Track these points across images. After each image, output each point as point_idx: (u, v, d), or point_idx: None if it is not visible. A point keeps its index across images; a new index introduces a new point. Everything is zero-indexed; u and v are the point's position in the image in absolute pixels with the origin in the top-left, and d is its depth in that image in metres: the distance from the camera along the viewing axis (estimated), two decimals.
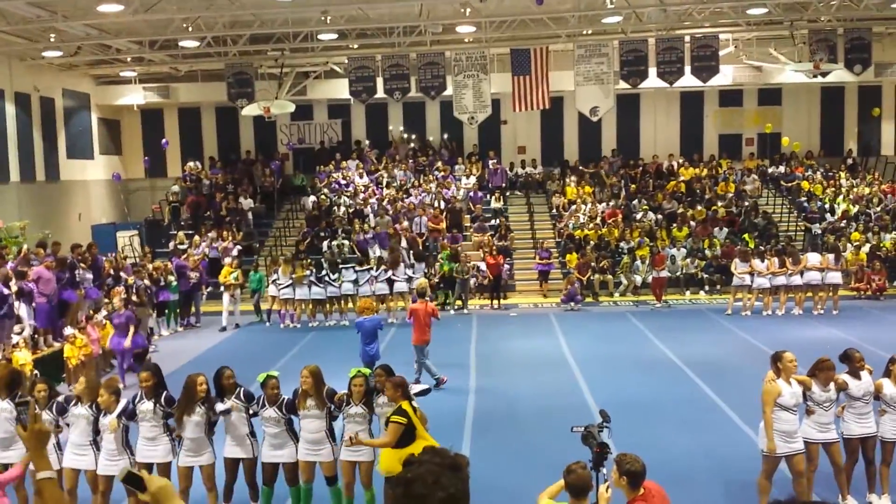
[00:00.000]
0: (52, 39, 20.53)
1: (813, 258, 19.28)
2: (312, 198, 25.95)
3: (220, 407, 8.02)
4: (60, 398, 8.36)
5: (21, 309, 14.18)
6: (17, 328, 13.66)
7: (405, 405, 7.46)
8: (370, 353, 12.26)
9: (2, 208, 21.07)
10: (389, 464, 7.25)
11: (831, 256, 19.33)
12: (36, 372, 12.49)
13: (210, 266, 21.40)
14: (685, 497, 8.20)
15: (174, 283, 18.71)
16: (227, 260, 20.57)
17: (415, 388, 8.49)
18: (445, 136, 28.79)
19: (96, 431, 7.94)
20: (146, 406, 8.00)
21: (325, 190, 26.31)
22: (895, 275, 21.54)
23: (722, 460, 9.50)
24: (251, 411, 8.15)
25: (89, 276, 16.56)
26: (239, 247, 22.46)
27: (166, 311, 18.89)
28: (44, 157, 24.09)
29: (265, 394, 8.04)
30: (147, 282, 17.66)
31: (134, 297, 16.08)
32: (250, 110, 23.88)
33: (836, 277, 19.11)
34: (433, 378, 12.89)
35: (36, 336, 14.56)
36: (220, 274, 19.84)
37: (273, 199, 27.03)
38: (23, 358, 12.75)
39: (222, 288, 19.43)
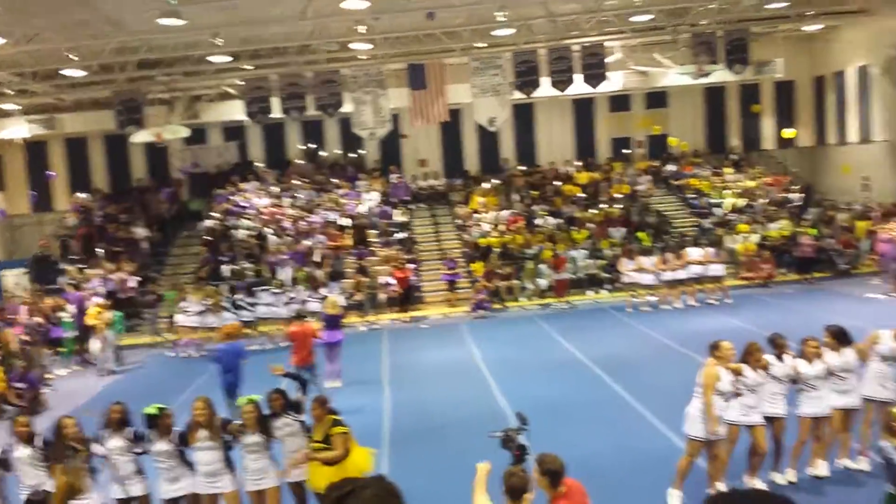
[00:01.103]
0: None
1: (694, 253, 20.21)
2: (211, 222, 25.34)
3: (98, 450, 7.78)
4: None
5: None
6: None
7: (333, 419, 7.55)
8: (229, 380, 11.87)
9: None
10: (321, 479, 7.22)
11: (712, 250, 20.36)
12: None
13: (107, 299, 20.59)
14: (600, 490, 8.40)
15: (68, 320, 17.94)
16: (95, 300, 19.11)
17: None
18: (344, 153, 28.70)
19: None
20: (22, 453, 7.68)
21: (221, 213, 25.67)
22: (783, 263, 22.69)
23: (633, 453, 9.80)
24: (139, 449, 7.92)
25: None
26: (137, 278, 21.71)
27: (60, 349, 18.07)
28: None
29: (159, 426, 7.82)
30: (40, 319, 16.89)
31: (26, 337, 15.37)
32: (141, 137, 23.21)
33: (717, 269, 20.10)
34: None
35: None
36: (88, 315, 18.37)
37: (168, 226, 26.27)
38: None
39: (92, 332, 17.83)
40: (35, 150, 27.71)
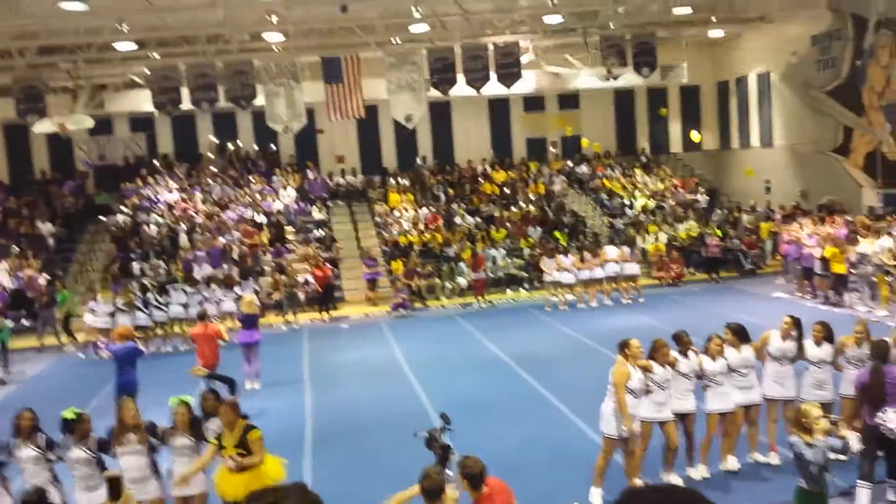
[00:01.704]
0: None
1: (611, 251, 20.74)
2: (119, 217, 24.41)
3: (8, 459, 7.50)
4: None
5: None
6: None
7: (245, 423, 7.34)
8: (124, 381, 11.60)
9: None
10: (232, 487, 7.04)
11: (627, 249, 20.91)
12: None
13: (13, 297, 19.60)
14: (522, 485, 8.51)
15: None
16: None
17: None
18: (259, 146, 28.15)
19: None
20: None
21: (136, 208, 24.80)
22: (691, 263, 23.49)
23: (553, 448, 9.99)
24: (54, 456, 7.58)
25: None
26: (46, 276, 20.70)
27: None
28: None
29: (76, 431, 7.47)
30: None
31: None
32: (43, 127, 22.19)
33: (633, 268, 20.66)
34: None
35: None
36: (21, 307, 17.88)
37: (75, 221, 25.19)
38: None
39: None
40: None
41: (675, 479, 8.64)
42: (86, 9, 16.31)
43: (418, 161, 28.93)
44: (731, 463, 8.98)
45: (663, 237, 23.96)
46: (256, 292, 19.25)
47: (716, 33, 26.50)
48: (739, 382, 8.89)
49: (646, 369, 8.41)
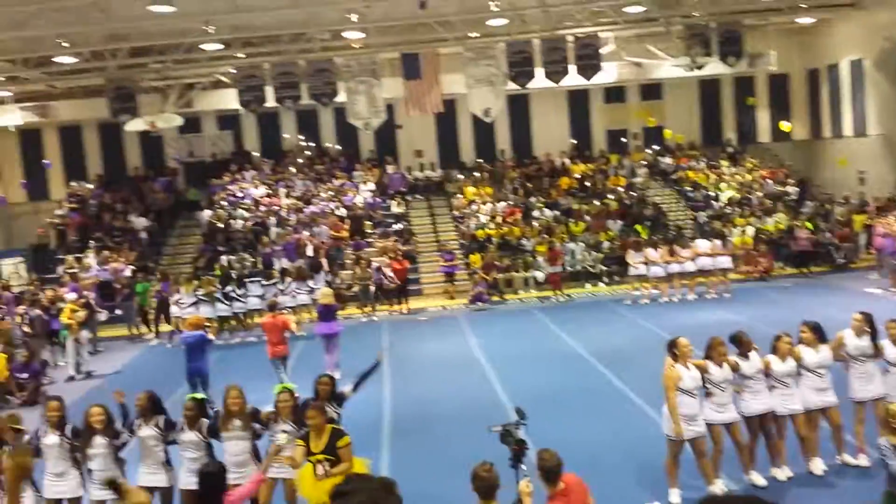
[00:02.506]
0: None
1: (702, 244, 20.18)
2: (208, 212, 25.24)
3: (128, 438, 7.76)
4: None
5: None
6: None
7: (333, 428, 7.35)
8: (194, 367, 12.34)
9: None
10: (318, 492, 6.97)
11: (719, 242, 20.29)
12: None
13: (101, 289, 20.50)
14: (600, 483, 8.42)
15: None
16: (70, 296, 18.02)
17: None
18: (340, 144, 28.62)
19: None
20: (52, 440, 7.64)
21: (224, 203, 25.61)
22: (780, 257, 22.74)
23: (631, 445, 9.83)
24: (170, 439, 7.90)
25: None
26: (132, 267, 21.62)
27: (58, 340, 17.95)
28: None
29: (184, 417, 7.81)
30: (39, 311, 16.81)
31: (27, 328, 15.34)
32: (135, 125, 23.08)
33: (725, 262, 20.06)
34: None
35: None
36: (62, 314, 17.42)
37: (165, 216, 26.17)
38: None
39: (65, 332, 17.00)
40: (29, 139, 27.52)
41: (757, 479, 8.42)
42: (174, 10, 16.86)
43: (497, 154, 28.86)
44: (816, 465, 8.64)
45: (751, 230, 23.25)
46: (328, 283, 19.58)
47: (805, 20, 25.50)
48: (816, 384, 8.53)
49: (701, 369, 8.16)
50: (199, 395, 8.10)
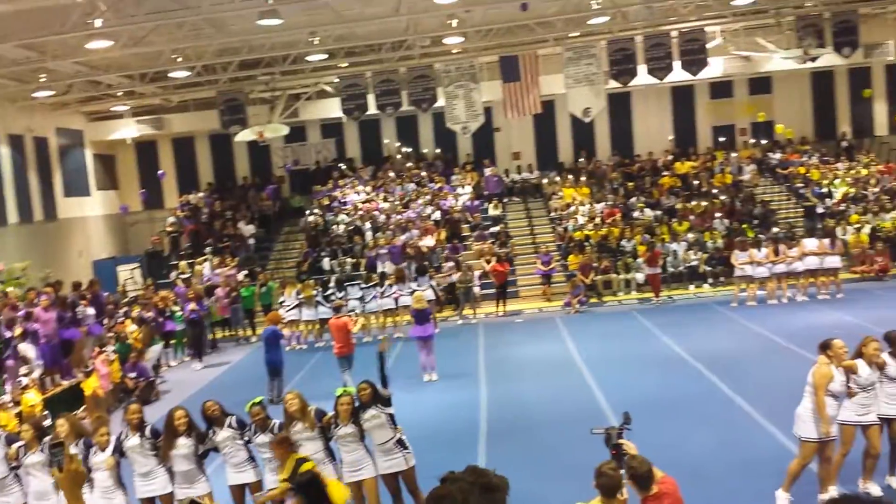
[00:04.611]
0: (42, 79, 20.59)
1: (810, 244, 19.29)
2: (311, 218, 25.95)
3: (209, 443, 8.11)
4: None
5: (28, 350, 14.19)
6: (23, 369, 13.65)
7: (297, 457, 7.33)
8: (269, 359, 13.92)
9: (2, 250, 21.06)
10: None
11: (827, 241, 19.33)
12: (46, 412, 12.49)
13: (210, 293, 21.33)
14: (705, 491, 8.17)
15: (178, 314, 18.69)
16: (131, 328, 16.91)
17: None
18: (439, 148, 28.87)
19: (87, 469, 7.91)
20: (132, 442, 8.01)
21: (318, 210, 26.28)
22: None
23: (739, 452, 9.47)
24: (245, 438, 8.15)
25: (91, 312, 16.54)
26: (245, 272, 22.39)
27: (172, 341, 18.84)
28: (41, 196, 24.10)
29: (252, 419, 8.06)
30: (152, 313, 17.66)
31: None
32: (244, 136, 23.93)
33: (834, 261, 19.12)
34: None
35: (44, 377, 14.55)
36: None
37: (272, 222, 27.06)
38: (31, 399, 12.73)
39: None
40: (145, 150, 28.98)
41: (874, 489, 7.97)
42: (281, 23, 17.41)
43: (597, 154, 28.43)
44: None
45: (867, 228, 22.04)
46: (432, 287, 19.74)
47: None
48: None
49: (850, 370, 7.81)
50: (350, 388, 8.31)
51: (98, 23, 16.20)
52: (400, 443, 8.07)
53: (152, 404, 14.32)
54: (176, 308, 18.77)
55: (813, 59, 22.55)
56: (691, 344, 15.26)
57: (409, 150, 29.02)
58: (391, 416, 8.13)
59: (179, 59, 20.71)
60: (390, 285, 19.63)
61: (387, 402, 8.15)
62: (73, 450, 7.85)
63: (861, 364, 7.91)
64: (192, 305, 18.27)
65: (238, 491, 8.17)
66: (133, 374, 15.25)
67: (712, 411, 11.24)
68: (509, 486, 2.48)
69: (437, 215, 25.27)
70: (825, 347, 7.85)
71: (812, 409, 7.66)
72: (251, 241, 25.78)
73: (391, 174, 28.13)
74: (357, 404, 8.03)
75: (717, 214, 23.84)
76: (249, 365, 17.89)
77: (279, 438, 7.58)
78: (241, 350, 19.60)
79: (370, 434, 8.03)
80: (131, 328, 16.60)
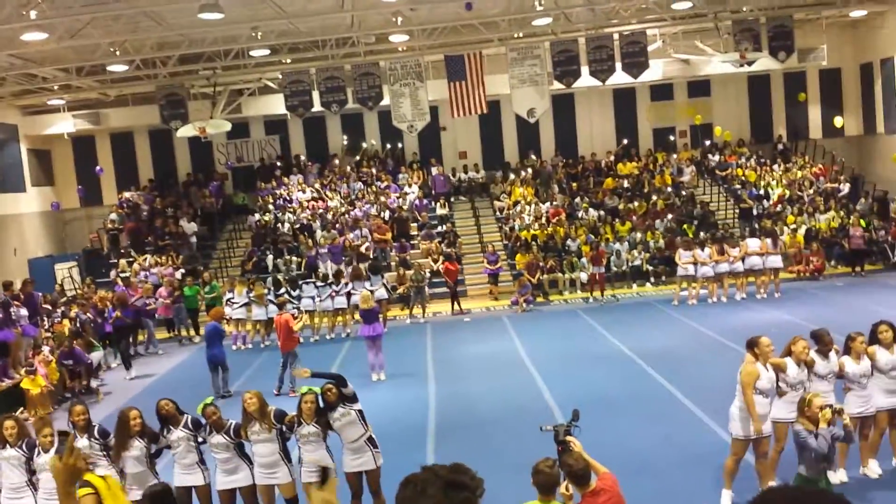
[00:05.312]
0: None
1: (752, 244, 19.79)
2: (256, 216, 25.60)
3: (162, 442, 7.98)
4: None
5: None
6: None
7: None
8: (210, 354, 14.04)
9: None
10: None
11: (769, 241, 19.86)
12: None
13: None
14: (651, 486, 8.34)
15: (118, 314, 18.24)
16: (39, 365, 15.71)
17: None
18: (388, 145, 28.78)
19: (31, 472, 7.74)
20: (81, 444, 7.80)
21: (270, 207, 25.99)
22: (832, 255, 22.21)
23: (683, 447, 9.69)
24: (200, 439, 8.03)
25: (24, 312, 16.01)
26: (182, 270, 21.99)
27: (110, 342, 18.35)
28: None
29: (207, 420, 7.96)
30: (90, 314, 17.20)
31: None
32: (185, 131, 23.48)
33: (776, 261, 19.64)
34: (286, 386, 13.88)
35: None
36: None
37: (215, 220, 26.62)
38: None
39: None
40: (82, 145, 28.19)
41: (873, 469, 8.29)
42: (222, 18, 17.13)
43: (541, 155, 28.69)
44: (873, 468, 8.43)
45: (802, 228, 22.75)
46: (384, 285, 19.70)
47: (857, 13, 24.88)
48: (888, 385, 8.32)
49: (779, 368, 8.01)
50: (315, 388, 8.19)
51: (33, 14, 15.75)
52: (371, 441, 8.04)
53: (93, 406, 13.95)
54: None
55: (749, 63, 23.15)
56: (635, 342, 15.54)
57: (358, 146, 28.80)
58: (361, 413, 8.08)
59: (117, 53, 20.23)
60: (346, 283, 19.51)
61: (353, 398, 8.11)
62: (14, 452, 7.66)
63: (790, 363, 8.07)
64: (116, 313, 17.81)
65: (184, 493, 8.03)
66: (69, 361, 14.86)
67: (656, 408, 11.46)
68: (482, 491, 2.47)
69: (386, 214, 25.20)
70: (752, 345, 7.95)
71: (742, 407, 7.81)
72: (193, 239, 25.31)
73: (338, 172, 27.93)
74: (322, 405, 7.97)
75: (663, 216, 24.29)
76: (194, 363, 17.62)
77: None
78: (185, 350, 19.25)
79: (340, 433, 7.97)
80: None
